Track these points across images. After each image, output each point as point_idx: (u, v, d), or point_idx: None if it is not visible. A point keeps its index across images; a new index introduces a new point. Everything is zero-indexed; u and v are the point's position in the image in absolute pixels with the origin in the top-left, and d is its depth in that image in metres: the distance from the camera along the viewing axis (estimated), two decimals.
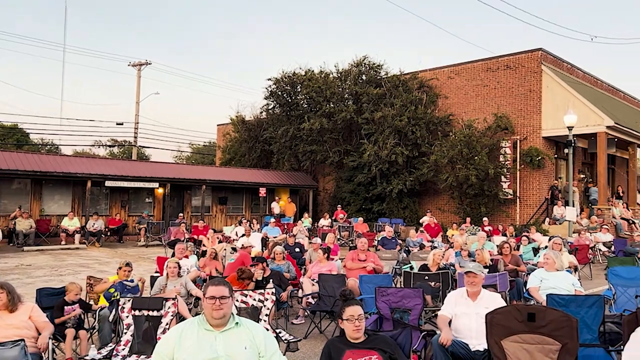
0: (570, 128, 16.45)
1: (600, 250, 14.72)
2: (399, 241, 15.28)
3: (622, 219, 18.98)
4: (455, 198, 21.22)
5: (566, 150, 17.15)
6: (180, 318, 5.37)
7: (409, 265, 10.15)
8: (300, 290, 7.99)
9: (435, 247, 13.54)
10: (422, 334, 4.94)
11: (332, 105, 24.10)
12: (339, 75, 24.85)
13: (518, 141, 20.28)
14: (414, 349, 4.70)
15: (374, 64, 24.36)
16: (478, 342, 4.53)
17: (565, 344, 3.68)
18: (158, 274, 8.20)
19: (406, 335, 3.80)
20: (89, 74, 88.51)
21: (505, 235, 15.51)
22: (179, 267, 7.19)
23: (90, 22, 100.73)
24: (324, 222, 20.46)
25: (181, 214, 20.93)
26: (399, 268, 10.16)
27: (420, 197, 23.07)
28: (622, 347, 3.69)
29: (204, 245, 12.96)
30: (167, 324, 5.21)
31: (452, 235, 15.81)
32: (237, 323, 3.30)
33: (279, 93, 26.15)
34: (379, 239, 14.65)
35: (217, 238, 13.90)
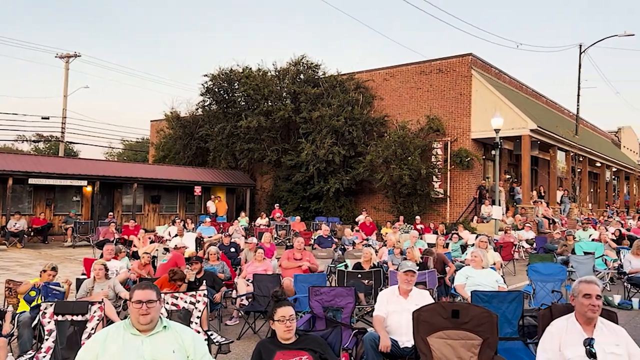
0: (497, 131, 17.28)
1: (523, 247, 15.53)
2: (335, 240, 15.46)
3: (544, 217, 20.15)
4: (390, 197, 21.73)
5: (493, 152, 18.00)
6: (108, 322, 5.19)
7: (344, 263, 10.30)
8: (234, 291, 7.92)
9: (369, 245, 13.84)
10: (354, 332, 5.03)
11: (270, 103, 24.03)
12: (277, 73, 24.82)
13: (449, 142, 21.05)
14: (345, 347, 4.78)
15: (312, 63, 24.52)
16: (407, 338, 4.66)
17: (486, 338, 3.87)
18: (85, 276, 7.88)
19: (336, 334, 3.86)
20: (13, 65, 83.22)
21: (436, 233, 16.08)
22: (106, 269, 6.94)
23: (15, 11, 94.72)
24: (261, 221, 20.34)
25: (111, 213, 20.14)
26: (334, 267, 10.28)
27: (356, 196, 23.44)
28: (538, 339, 3.92)
29: (134, 245, 12.55)
30: (92, 328, 5.01)
31: (386, 233, 16.20)
32: (165, 327, 3.23)
33: (216, 90, 25.76)
34: (316, 237, 14.77)
35: (149, 238, 13.50)
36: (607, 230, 15.24)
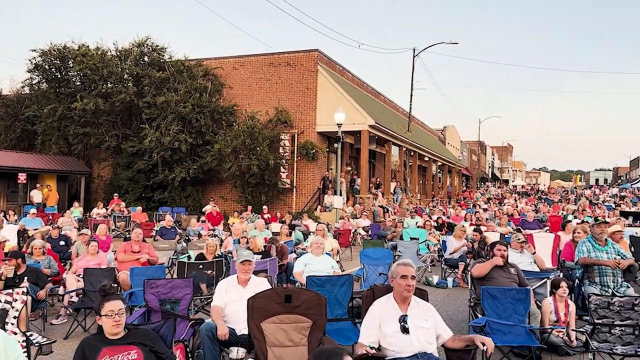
0: (339, 125, 18.27)
1: (360, 234, 16.69)
2: (180, 230, 15.06)
3: (379, 206, 21.84)
4: (238, 187, 21.74)
5: (336, 145, 19.00)
6: None
7: (187, 254, 10.10)
8: (61, 287, 7.32)
9: (215, 235, 13.75)
10: (191, 322, 5.00)
11: (109, 85, 22.42)
12: (118, 54, 23.22)
13: (296, 135, 21.69)
14: (182, 338, 4.73)
15: (157, 46, 23.42)
16: (244, 326, 4.76)
17: (315, 320, 4.13)
18: None
19: (169, 326, 3.80)
20: None
21: (283, 222, 16.50)
22: None
23: None
24: (98, 211, 18.96)
25: None
26: (176, 258, 10.04)
27: (203, 185, 23.02)
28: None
29: None
30: None
31: (233, 223, 16.22)
32: None
33: (47, 67, 23.27)
34: (158, 228, 14.23)
35: None
36: (430, 218, 17.02)
